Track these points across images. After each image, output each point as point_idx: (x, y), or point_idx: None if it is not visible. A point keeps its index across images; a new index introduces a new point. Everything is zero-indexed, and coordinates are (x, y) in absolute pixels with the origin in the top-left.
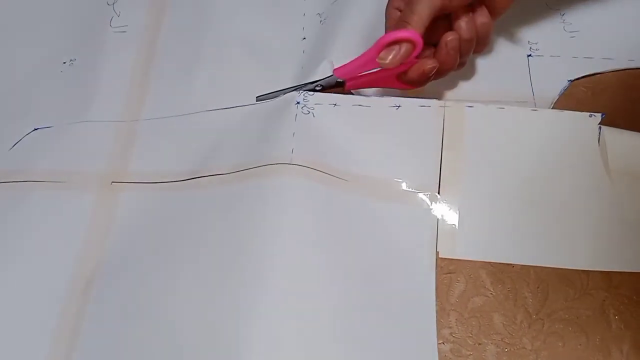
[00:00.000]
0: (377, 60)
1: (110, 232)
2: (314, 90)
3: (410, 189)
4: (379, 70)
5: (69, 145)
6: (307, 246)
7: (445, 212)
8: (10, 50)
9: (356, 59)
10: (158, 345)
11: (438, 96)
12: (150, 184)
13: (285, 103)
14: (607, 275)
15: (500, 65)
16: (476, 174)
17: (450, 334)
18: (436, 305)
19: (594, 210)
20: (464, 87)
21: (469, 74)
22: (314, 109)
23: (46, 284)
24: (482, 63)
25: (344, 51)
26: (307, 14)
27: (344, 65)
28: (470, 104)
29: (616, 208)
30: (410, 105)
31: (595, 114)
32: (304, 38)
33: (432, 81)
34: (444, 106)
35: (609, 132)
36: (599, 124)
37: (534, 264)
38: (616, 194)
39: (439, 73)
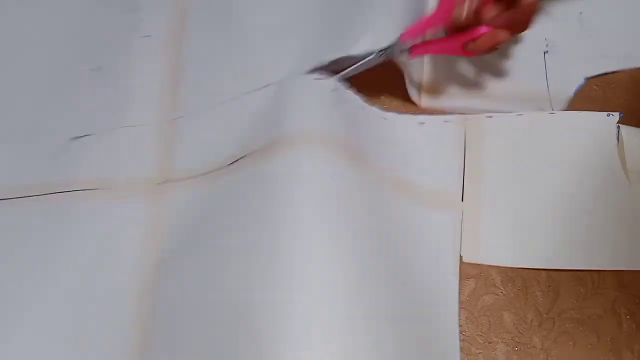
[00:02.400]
0: (452, 18)
1: (164, 232)
2: (381, 55)
3: (435, 192)
4: (445, 38)
5: (111, 151)
6: (345, 230)
7: (468, 218)
8: (38, 61)
9: (421, 23)
10: (229, 334)
11: (455, 92)
12: (196, 177)
13: (319, 90)
14: (618, 274)
15: (516, 61)
16: (498, 180)
17: (461, 332)
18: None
19: (613, 211)
20: (480, 84)
21: (486, 69)
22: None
23: (108, 293)
24: (499, 60)
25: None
26: None
27: (410, 29)
28: (489, 115)
29: (634, 207)
30: (434, 121)
31: (613, 113)
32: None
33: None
34: (465, 120)
35: (627, 131)
36: (617, 123)
37: (556, 267)
38: (634, 192)
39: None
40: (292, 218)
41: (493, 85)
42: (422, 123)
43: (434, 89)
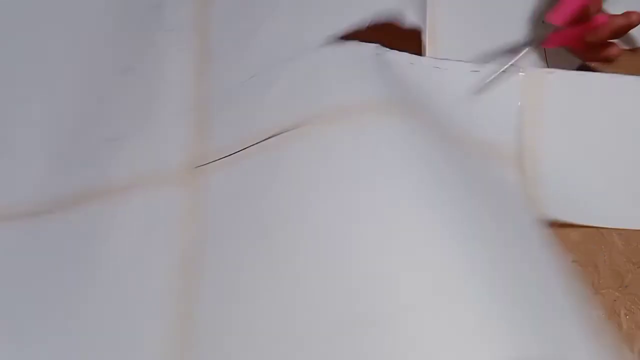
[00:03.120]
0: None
1: (206, 216)
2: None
3: (497, 145)
4: (567, 29)
5: (143, 147)
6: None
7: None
8: (68, 66)
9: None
10: (269, 322)
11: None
12: (232, 156)
13: (361, 56)
14: (619, 274)
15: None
16: (561, 138)
17: None
18: None
19: None
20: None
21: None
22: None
23: (148, 292)
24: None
25: None
26: None
27: (556, 9)
28: (550, 70)
29: None
30: (489, 69)
31: None
32: None
33: None
34: (523, 71)
35: None
36: None
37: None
38: None
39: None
40: (372, 192)
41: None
42: (476, 71)
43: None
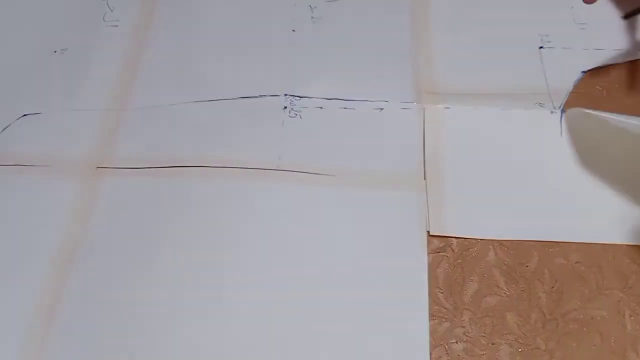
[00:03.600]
0: None
1: (93, 215)
2: None
3: (397, 176)
4: None
5: (56, 131)
6: (297, 246)
7: (432, 195)
8: (1, 38)
9: None
10: (130, 330)
11: (451, 87)
12: (133, 169)
13: (272, 106)
14: (623, 275)
15: (513, 57)
16: (458, 160)
17: (464, 333)
18: (428, 283)
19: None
20: (478, 79)
21: (483, 65)
22: (300, 111)
23: (27, 264)
24: (495, 54)
25: (335, 55)
26: (298, 3)
27: None
28: (447, 106)
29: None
30: (393, 108)
31: (555, 109)
32: (293, 30)
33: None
34: (424, 108)
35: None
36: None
37: (510, 239)
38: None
39: None
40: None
41: (490, 81)
42: (381, 109)
43: (433, 88)
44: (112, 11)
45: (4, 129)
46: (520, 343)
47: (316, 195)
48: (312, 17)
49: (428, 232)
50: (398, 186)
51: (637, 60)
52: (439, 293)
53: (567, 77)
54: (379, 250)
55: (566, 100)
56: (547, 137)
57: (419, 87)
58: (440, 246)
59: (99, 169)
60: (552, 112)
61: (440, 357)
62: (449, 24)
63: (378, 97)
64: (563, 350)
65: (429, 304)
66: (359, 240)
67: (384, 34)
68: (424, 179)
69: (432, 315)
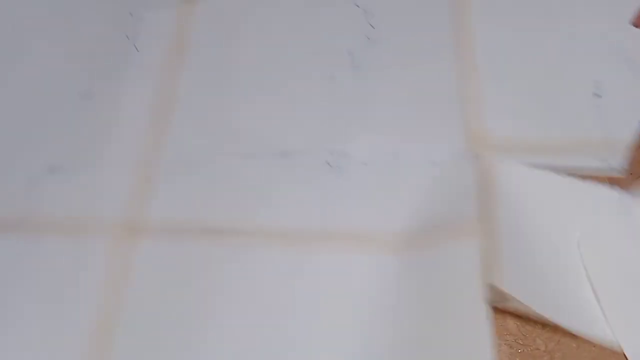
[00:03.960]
0: None
1: (128, 281)
2: None
3: (452, 230)
4: None
5: (86, 188)
6: (357, 319)
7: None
8: (23, 82)
9: None
10: None
11: (502, 136)
12: (168, 232)
13: (313, 162)
14: None
15: (566, 104)
16: (511, 216)
17: None
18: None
19: None
20: (529, 128)
21: (534, 113)
22: (345, 167)
23: (64, 332)
24: (547, 102)
25: (378, 104)
26: (336, 49)
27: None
28: (501, 160)
29: None
30: (443, 159)
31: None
32: (334, 78)
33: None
34: (478, 160)
35: None
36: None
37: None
38: None
39: None
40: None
41: (546, 131)
42: (432, 161)
43: (484, 138)
44: (138, 51)
45: (29, 186)
46: (520, 344)
47: (371, 264)
48: (352, 64)
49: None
50: (455, 240)
51: None
52: None
53: (625, 127)
54: (442, 309)
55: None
56: (610, 215)
57: (469, 137)
58: None
59: (131, 232)
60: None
61: None
62: (498, 69)
63: (427, 149)
64: (563, 351)
65: None
66: (424, 303)
67: (428, 80)
68: (479, 230)
69: None
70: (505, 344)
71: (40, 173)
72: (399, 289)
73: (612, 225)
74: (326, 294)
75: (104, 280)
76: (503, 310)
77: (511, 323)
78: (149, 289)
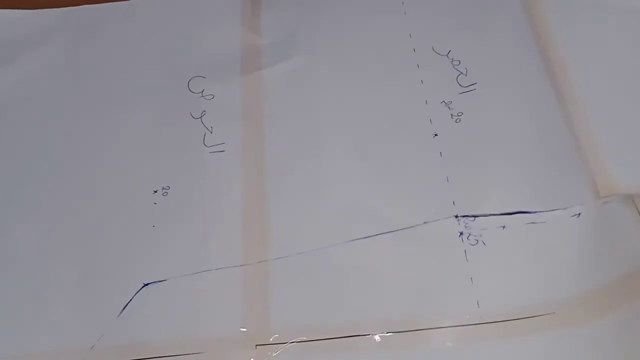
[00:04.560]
0: None
1: None
2: None
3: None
4: None
5: (191, 302)
6: None
7: None
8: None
9: None
10: None
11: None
12: (301, 343)
13: (443, 235)
14: None
15: None
16: None
17: None
18: None
19: None
20: None
21: None
22: (481, 235)
23: None
24: None
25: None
26: (429, 101)
27: None
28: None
29: None
30: (591, 209)
31: None
32: (436, 134)
33: None
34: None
35: None
36: None
37: None
38: None
39: None
40: None
41: None
42: (579, 214)
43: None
44: (211, 132)
45: (124, 307)
46: None
47: (533, 347)
48: (451, 115)
49: None
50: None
51: None
52: None
53: None
54: None
55: None
56: None
57: (595, 184)
58: None
59: (259, 347)
60: None
61: None
62: (612, 103)
63: (567, 201)
64: None
65: None
66: None
67: (536, 123)
68: None
69: None
70: None
71: (133, 291)
72: None
73: None
74: None
75: None
76: None
77: None
78: None
